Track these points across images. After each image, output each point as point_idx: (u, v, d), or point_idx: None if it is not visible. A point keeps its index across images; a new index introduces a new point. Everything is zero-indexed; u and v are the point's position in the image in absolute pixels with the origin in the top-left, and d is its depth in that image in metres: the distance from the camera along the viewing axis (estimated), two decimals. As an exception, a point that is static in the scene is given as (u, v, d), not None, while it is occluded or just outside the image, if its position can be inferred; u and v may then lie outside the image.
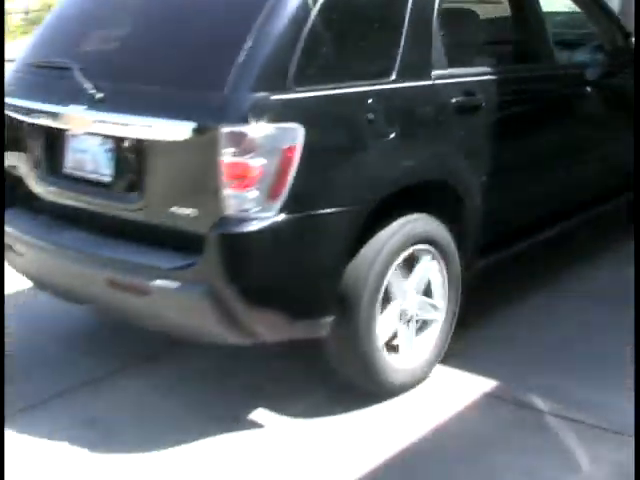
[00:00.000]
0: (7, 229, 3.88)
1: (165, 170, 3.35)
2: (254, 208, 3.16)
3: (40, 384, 3.87)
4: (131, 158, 3.42)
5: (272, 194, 3.17)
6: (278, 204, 3.18)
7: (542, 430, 3.46)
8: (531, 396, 3.67)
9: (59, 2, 4.16)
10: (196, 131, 3.16)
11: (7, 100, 3.90)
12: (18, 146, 3.92)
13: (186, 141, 3.19)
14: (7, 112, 3.88)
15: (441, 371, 3.88)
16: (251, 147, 3.12)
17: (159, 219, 3.36)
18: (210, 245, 3.18)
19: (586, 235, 5.18)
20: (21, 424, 3.53)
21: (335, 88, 3.36)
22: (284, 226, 3.20)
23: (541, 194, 4.46)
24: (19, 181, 3.94)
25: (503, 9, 4.64)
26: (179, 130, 3.19)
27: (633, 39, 5.07)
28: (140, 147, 3.36)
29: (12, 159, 3.98)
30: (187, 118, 3.18)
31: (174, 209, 3.29)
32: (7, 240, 3.91)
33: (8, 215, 3.93)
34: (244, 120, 3.13)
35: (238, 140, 3.12)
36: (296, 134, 3.19)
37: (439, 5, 3.81)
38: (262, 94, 3.17)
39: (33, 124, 3.76)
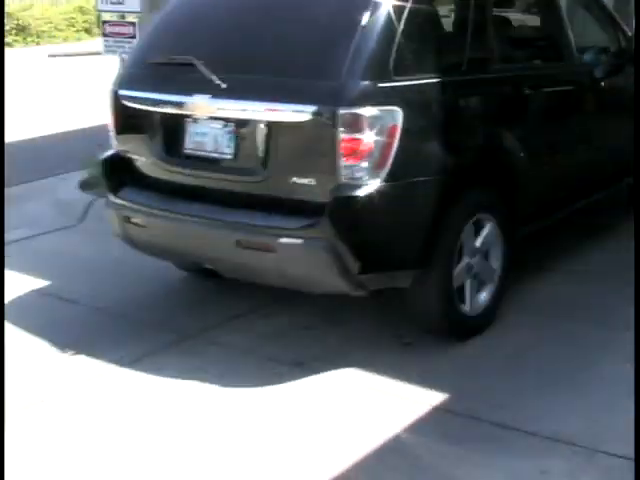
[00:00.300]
0: (125, 203, 4.51)
1: (287, 147, 4.02)
2: (364, 177, 3.85)
3: (162, 335, 4.48)
4: (255, 138, 4.05)
5: (379, 165, 3.87)
6: (383, 173, 3.88)
7: (493, 442, 3.50)
8: (483, 408, 3.73)
9: (167, 4, 4.77)
10: (316, 113, 3.85)
11: (124, 92, 4.52)
12: (135, 132, 4.56)
13: (307, 122, 3.87)
14: (125, 102, 4.50)
15: (390, 382, 4.00)
16: (363, 126, 3.82)
17: (280, 188, 4.02)
18: (328, 208, 3.85)
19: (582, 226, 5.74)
20: (148, 366, 4.15)
21: (423, 78, 4.09)
22: (388, 191, 3.90)
23: (574, 171, 5.23)
24: (133, 163, 4.58)
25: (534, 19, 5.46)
26: (302, 113, 3.87)
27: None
28: (265, 128, 4.01)
29: (127, 144, 4.61)
30: (308, 102, 3.87)
31: (295, 179, 3.96)
32: (124, 213, 4.52)
33: (124, 192, 4.56)
34: (357, 103, 3.83)
35: (353, 120, 3.82)
36: (397, 115, 3.89)
37: (491, 14, 4.59)
38: (370, 82, 3.88)
39: (153, 112, 4.39)
